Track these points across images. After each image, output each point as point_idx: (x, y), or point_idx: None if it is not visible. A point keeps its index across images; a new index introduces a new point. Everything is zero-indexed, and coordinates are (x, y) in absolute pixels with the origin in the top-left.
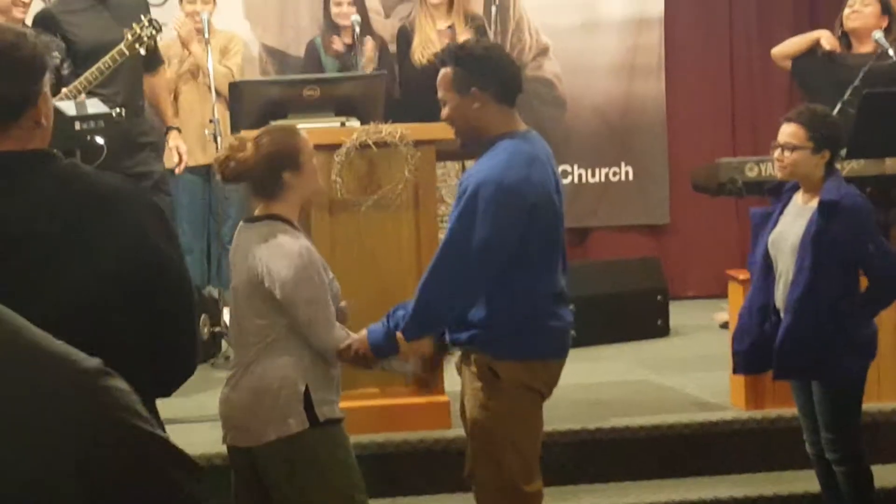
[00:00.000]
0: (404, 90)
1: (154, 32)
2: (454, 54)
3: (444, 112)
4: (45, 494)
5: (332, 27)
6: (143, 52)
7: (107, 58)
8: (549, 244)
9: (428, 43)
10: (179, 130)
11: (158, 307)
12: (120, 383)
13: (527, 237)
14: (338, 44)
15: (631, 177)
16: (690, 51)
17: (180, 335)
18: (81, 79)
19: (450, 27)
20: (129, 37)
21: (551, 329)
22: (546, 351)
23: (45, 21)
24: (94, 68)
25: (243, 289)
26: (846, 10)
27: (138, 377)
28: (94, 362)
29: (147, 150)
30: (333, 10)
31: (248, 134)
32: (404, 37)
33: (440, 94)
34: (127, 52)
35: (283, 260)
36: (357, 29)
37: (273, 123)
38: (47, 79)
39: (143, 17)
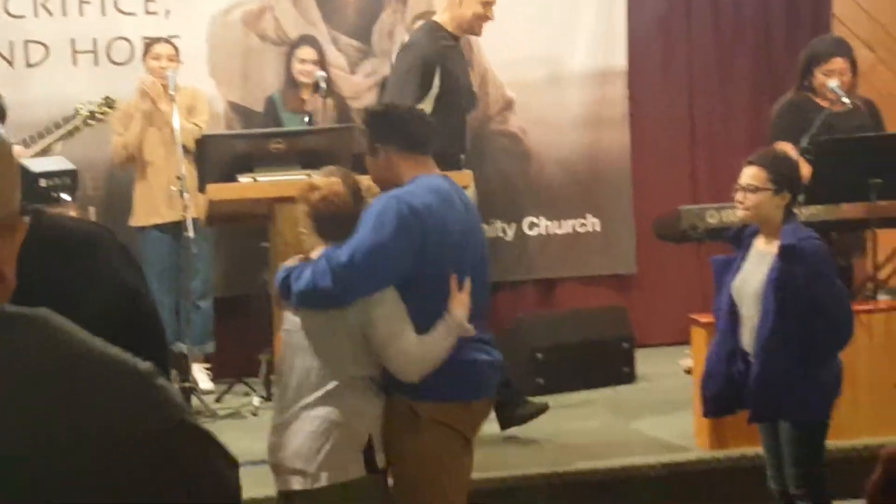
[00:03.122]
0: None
1: (108, 110)
2: (362, 119)
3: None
4: (111, 487)
5: (291, 83)
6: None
7: (59, 130)
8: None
9: None
10: None
11: (136, 339)
12: (168, 383)
13: (422, 263)
14: (297, 100)
15: (598, 227)
16: (653, 102)
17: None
18: (36, 148)
19: None
20: (85, 114)
21: (470, 369)
22: (465, 392)
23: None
24: (49, 138)
25: (315, 329)
26: (822, 79)
27: None
28: (147, 364)
29: None
30: (297, 66)
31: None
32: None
33: None
34: (81, 128)
35: None
36: (323, 85)
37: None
38: None
39: (102, 97)
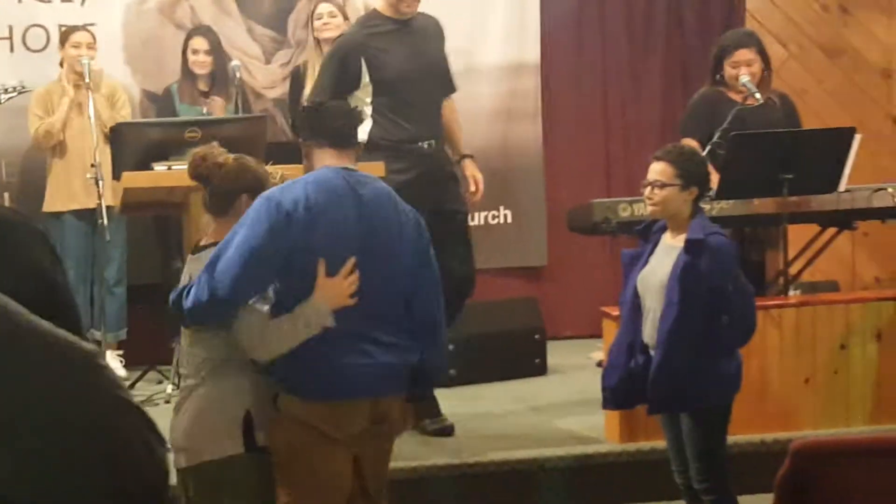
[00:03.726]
0: (295, 131)
1: (11, 91)
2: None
3: None
4: (60, 458)
5: (188, 74)
6: None
7: None
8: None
9: None
10: (473, 158)
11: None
12: (107, 364)
13: (294, 255)
14: (193, 92)
15: (510, 219)
16: (566, 95)
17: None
18: None
19: None
20: None
21: (339, 370)
22: (329, 392)
23: (349, 47)
24: None
25: None
26: (732, 72)
27: None
28: (90, 345)
29: (453, 182)
30: (190, 57)
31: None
32: (297, 80)
33: None
34: None
35: None
36: (238, 74)
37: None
38: None
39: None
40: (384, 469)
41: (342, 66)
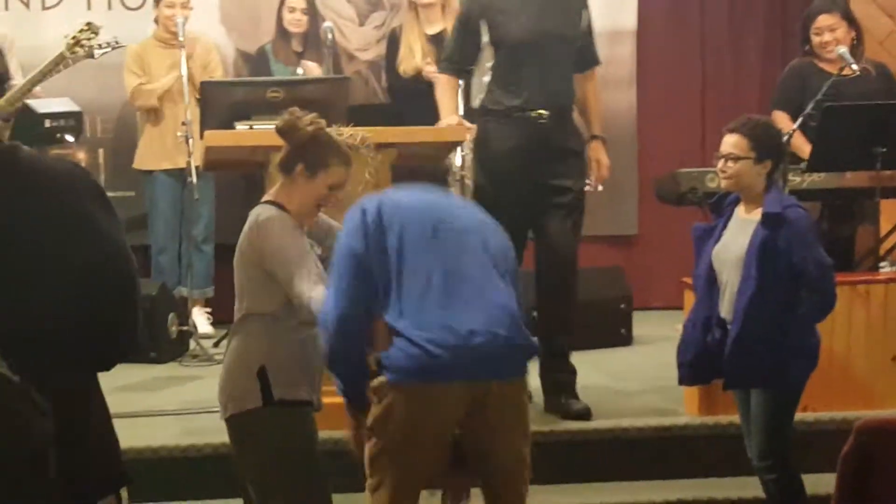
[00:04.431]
0: (391, 96)
1: (92, 35)
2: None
3: None
4: None
5: (282, 34)
6: (85, 56)
7: (49, 62)
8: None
9: (411, 53)
10: (604, 141)
11: (100, 283)
12: None
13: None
14: (288, 51)
15: (600, 187)
16: (662, 63)
17: (120, 310)
18: (25, 82)
19: (442, 31)
20: (69, 40)
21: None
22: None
23: (471, 6)
24: (36, 72)
25: (236, 270)
26: (816, 39)
27: (77, 348)
28: None
29: (571, 159)
30: (286, 16)
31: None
32: (393, 43)
33: None
34: (67, 55)
35: (258, 230)
36: (330, 36)
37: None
38: None
39: (83, 21)
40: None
41: (464, 27)
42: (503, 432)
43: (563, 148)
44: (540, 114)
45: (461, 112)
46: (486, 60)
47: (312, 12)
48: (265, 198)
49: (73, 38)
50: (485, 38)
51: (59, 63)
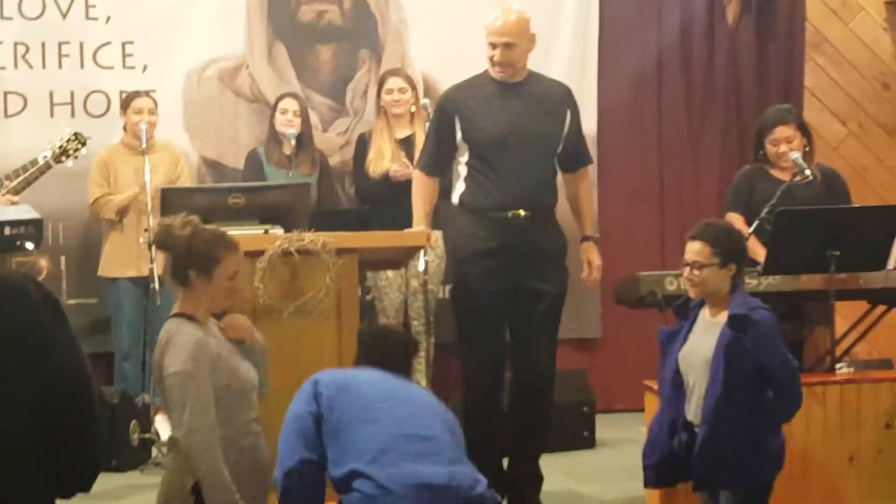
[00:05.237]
0: (359, 198)
1: (79, 146)
2: None
3: None
4: None
5: (274, 137)
6: (69, 163)
7: (33, 168)
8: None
9: (380, 155)
10: (597, 241)
11: (58, 395)
12: None
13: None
14: (280, 154)
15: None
16: (621, 166)
17: (85, 427)
18: (7, 189)
19: (410, 136)
20: (56, 150)
21: None
22: None
23: (444, 105)
24: (21, 178)
25: None
26: (772, 149)
27: (41, 462)
28: None
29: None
30: (279, 118)
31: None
32: (362, 146)
33: None
34: (52, 164)
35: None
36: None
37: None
38: None
39: (70, 131)
40: None
41: (439, 124)
42: None
43: (541, 249)
44: (517, 213)
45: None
46: (462, 158)
47: (305, 116)
48: (173, 311)
49: (61, 147)
50: (458, 135)
51: (44, 172)
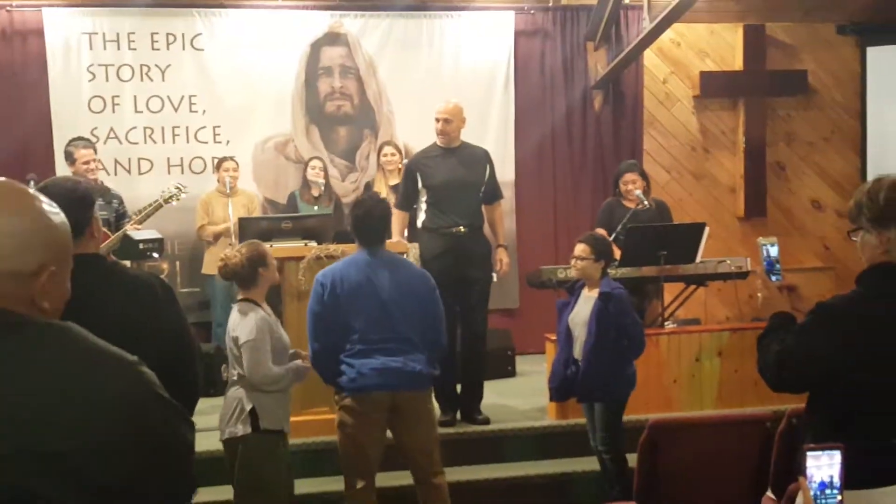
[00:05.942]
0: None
1: (181, 195)
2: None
3: None
4: (109, 450)
5: (305, 184)
6: (173, 203)
7: (150, 208)
8: (352, 313)
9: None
10: (506, 247)
11: (174, 353)
12: (147, 369)
13: (332, 307)
14: (309, 195)
15: (495, 277)
16: (531, 200)
17: (189, 371)
18: (134, 220)
19: (397, 184)
20: (166, 196)
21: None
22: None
23: (409, 165)
24: (142, 213)
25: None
26: (623, 188)
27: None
28: (134, 357)
29: (480, 260)
30: (310, 172)
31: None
32: (368, 190)
33: None
34: (163, 204)
35: (244, 328)
36: (323, 187)
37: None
38: (95, 207)
39: (173, 184)
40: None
41: (407, 177)
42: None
43: (475, 252)
44: (459, 230)
45: (406, 234)
46: (423, 197)
47: (326, 170)
48: (240, 296)
49: (171, 193)
50: (419, 183)
51: (157, 209)
